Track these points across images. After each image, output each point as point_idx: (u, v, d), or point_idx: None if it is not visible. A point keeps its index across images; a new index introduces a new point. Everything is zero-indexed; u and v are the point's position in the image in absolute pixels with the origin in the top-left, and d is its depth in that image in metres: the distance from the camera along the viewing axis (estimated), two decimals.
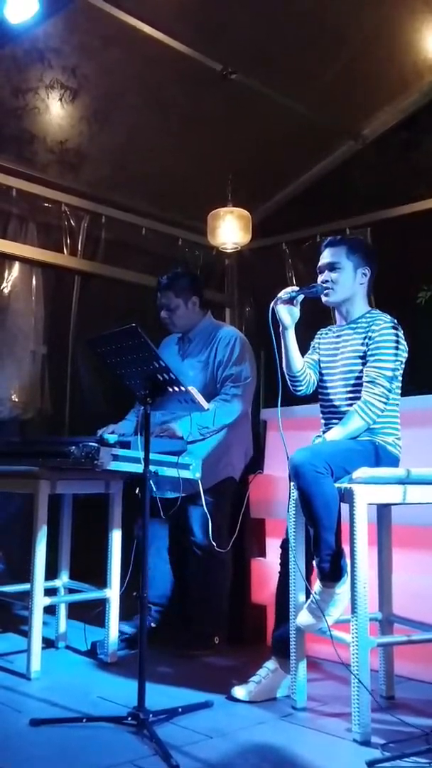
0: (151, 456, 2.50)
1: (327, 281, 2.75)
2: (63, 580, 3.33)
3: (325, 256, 2.78)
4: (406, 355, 2.67)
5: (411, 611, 2.67)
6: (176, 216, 5.03)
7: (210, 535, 3.06)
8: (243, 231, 4.73)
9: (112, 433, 3.06)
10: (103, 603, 3.11)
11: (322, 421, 2.82)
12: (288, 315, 2.71)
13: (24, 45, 3.69)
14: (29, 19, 3.23)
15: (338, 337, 2.81)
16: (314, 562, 2.49)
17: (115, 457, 2.74)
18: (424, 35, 4.10)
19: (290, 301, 2.71)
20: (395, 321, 2.69)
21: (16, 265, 4.32)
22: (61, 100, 4.05)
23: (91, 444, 2.71)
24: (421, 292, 4.18)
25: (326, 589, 2.44)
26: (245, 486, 3.44)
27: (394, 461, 2.63)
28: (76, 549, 3.40)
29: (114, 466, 2.74)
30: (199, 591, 3.34)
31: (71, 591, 3.28)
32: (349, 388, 2.71)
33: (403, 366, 2.68)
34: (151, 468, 2.51)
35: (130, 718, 2.31)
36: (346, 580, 2.43)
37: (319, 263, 2.80)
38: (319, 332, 2.94)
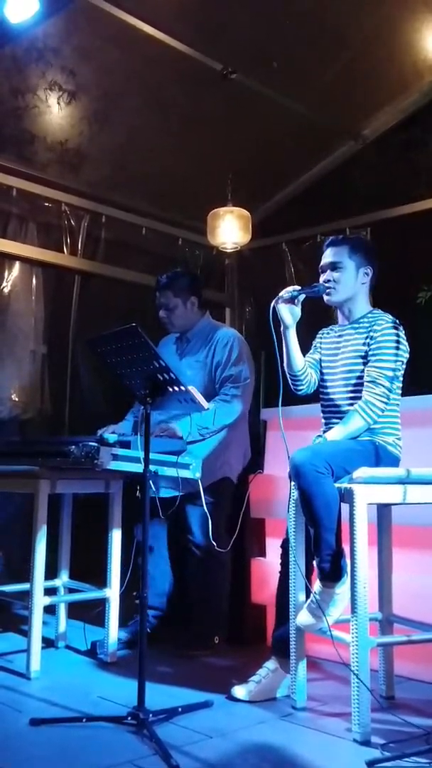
0: (151, 456, 2.49)
1: (329, 281, 2.75)
2: (63, 579, 3.33)
3: (327, 256, 2.78)
4: (407, 355, 2.67)
5: (411, 611, 2.67)
6: (176, 216, 5.03)
7: (210, 535, 3.06)
8: (243, 231, 4.74)
9: (112, 433, 3.06)
10: (102, 603, 3.11)
11: (323, 421, 2.81)
12: (289, 314, 2.71)
13: (24, 45, 3.70)
14: (29, 18, 3.24)
15: (339, 336, 2.81)
16: (314, 562, 2.49)
17: (115, 457, 2.74)
18: (424, 35, 4.10)
19: (291, 300, 2.71)
20: (397, 321, 2.69)
21: (16, 265, 4.32)
22: (60, 99, 4.05)
23: (91, 444, 2.71)
24: (421, 292, 4.17)
25: (326, 589, 2.43)
26: (245, 486, 3.44)
27: (394, 461, 2.63)
28: (76, 549, 3.39)
29: (114, 465, 2.74)
30: (199, 591, 3.34)
31: (71, 591, 3.28)
32: (350, 388, 2.70)
33: (404, 366, 2.68)
34: (151, 468, 2.51)
35: (130, 718, 2.31)
36: (346, 580, 2.42)
37: (321, 263, 2.79)
38: (320, 332, 2.93)
